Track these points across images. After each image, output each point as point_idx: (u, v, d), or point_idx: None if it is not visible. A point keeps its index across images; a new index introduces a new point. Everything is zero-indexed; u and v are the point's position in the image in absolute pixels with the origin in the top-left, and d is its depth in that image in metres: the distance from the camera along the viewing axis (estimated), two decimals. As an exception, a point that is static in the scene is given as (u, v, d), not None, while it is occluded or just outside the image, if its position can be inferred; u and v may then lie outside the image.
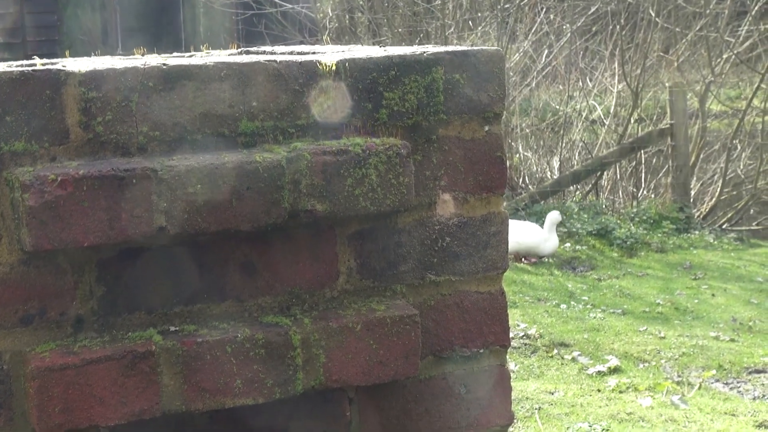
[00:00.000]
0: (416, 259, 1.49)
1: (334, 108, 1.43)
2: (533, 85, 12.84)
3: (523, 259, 8.92)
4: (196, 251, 1.38)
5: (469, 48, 1.50)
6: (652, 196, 11.44)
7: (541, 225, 8.95)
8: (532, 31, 12.22)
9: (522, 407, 5.49)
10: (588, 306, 7.74)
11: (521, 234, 8.74)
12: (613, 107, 12.17)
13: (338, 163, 1.38)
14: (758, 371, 6.33)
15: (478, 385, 1.53)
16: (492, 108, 1.51)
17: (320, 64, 1.42)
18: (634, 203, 11.02)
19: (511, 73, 11.88)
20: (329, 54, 1.52)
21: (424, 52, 1.47)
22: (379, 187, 1.40)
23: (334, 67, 1.42)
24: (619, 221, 10.13)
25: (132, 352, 1.31)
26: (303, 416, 1.44)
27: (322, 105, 1.42)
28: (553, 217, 8.98)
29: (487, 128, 1.52)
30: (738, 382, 6.14)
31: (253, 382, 1.35)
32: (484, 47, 1.51)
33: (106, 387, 1.30)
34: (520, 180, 11.48)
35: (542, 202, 10.51)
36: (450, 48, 1.50)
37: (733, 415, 5.44)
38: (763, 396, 5.91)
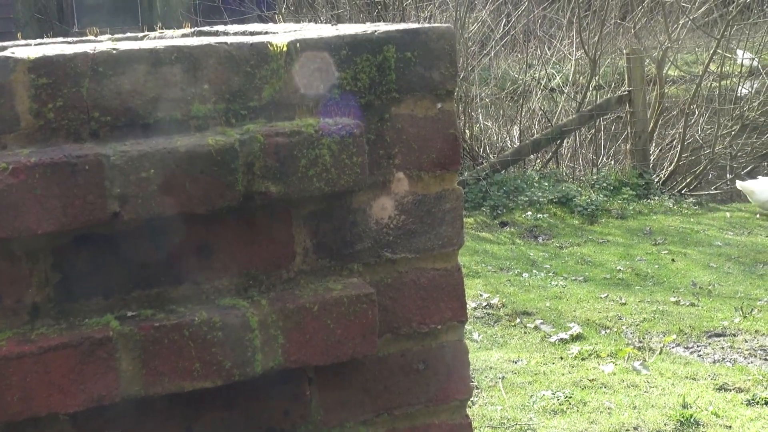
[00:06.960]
0: (372, 237, 1.50)
1: (286, 89, 1.43)
2: (492, 54, 12.86)
3: None
4: (151, 235, 1.38)
5: (420, 26, 1.50)
6: (612, 163, 11.51)
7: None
8: (490, 0, 12.22)
9: (486, 377, 5.52)
10: (550, 274, 7.79)
11: None
12: (571, 75, 12.21)
13: (291, 145, 1.38)
14: (718, 335, 6.41)
15: (437, 361, 1.55)
16: (444, 85, 1.52)
17: (271, 45, 1.42)
18: (594, 170, 11.08)
19: (470, 43, 11.88)
20: (281, 34, 1.51)
21: (375, 31, 1.47)
22: (332, 168, 1.41)
23: (285, 48, 1.42)
24: (579, 189, 10.19)
25: (89, 338, 1.31)
26: (263, 397, 1.45)
27: (274, 86, 1.42)
28: None
29: (439, 105, 1.52)
30: (698, 346, 6.21)
31: (212, 364, 1.36)
32: (435, 25, 1.52)
33: (65, 374, 1.30)
34: (481, 150, 11.50)
35: (503, 172, 10.54)
36: (401, 26, 1.50)
37: (694, 379, 5.52)
38: (723, 359, 5.99)
